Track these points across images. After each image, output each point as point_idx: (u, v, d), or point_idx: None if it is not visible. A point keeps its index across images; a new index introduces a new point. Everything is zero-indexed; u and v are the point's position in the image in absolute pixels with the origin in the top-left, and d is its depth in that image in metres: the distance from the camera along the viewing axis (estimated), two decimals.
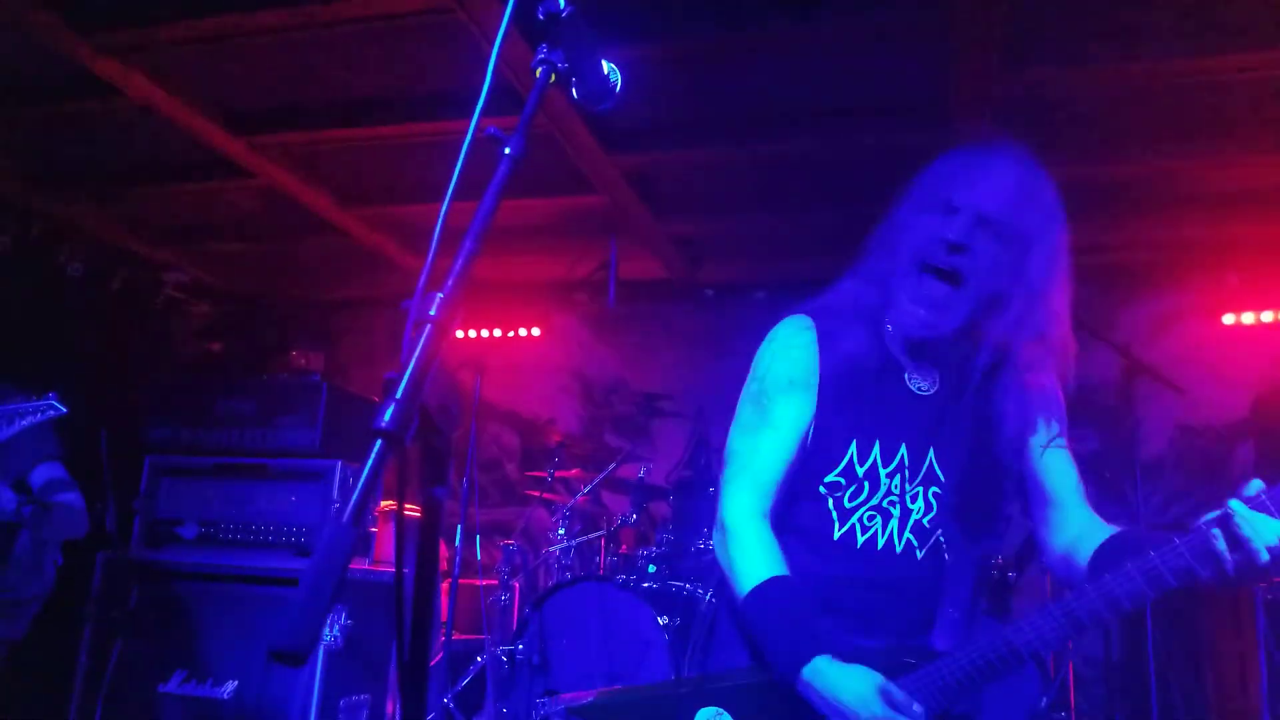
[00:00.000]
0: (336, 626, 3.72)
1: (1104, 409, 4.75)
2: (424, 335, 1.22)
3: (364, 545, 4.10)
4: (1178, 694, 3.99)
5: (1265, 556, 1.44)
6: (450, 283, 1.28)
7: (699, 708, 1.67)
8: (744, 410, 1.82)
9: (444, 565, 4.47)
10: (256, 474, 3.98)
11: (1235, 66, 3.48)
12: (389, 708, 4.14)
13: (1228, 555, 1.45)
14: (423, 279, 1.39)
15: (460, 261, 1.32)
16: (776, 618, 1.64)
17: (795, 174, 4.60)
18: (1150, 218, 4.91)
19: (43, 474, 3.24)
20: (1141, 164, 4.34)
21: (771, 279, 5.80)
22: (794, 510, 1.77)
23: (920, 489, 1.71)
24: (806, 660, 1.58)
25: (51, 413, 2.85)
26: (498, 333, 5.73)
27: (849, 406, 1.74)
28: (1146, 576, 1.47)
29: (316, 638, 1.02)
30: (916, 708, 1.54)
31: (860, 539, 1.69)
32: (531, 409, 5.82)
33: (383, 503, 4.24)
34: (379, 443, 1.13)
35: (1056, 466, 1.77)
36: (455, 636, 4.58)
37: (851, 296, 1.81)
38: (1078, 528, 1.75)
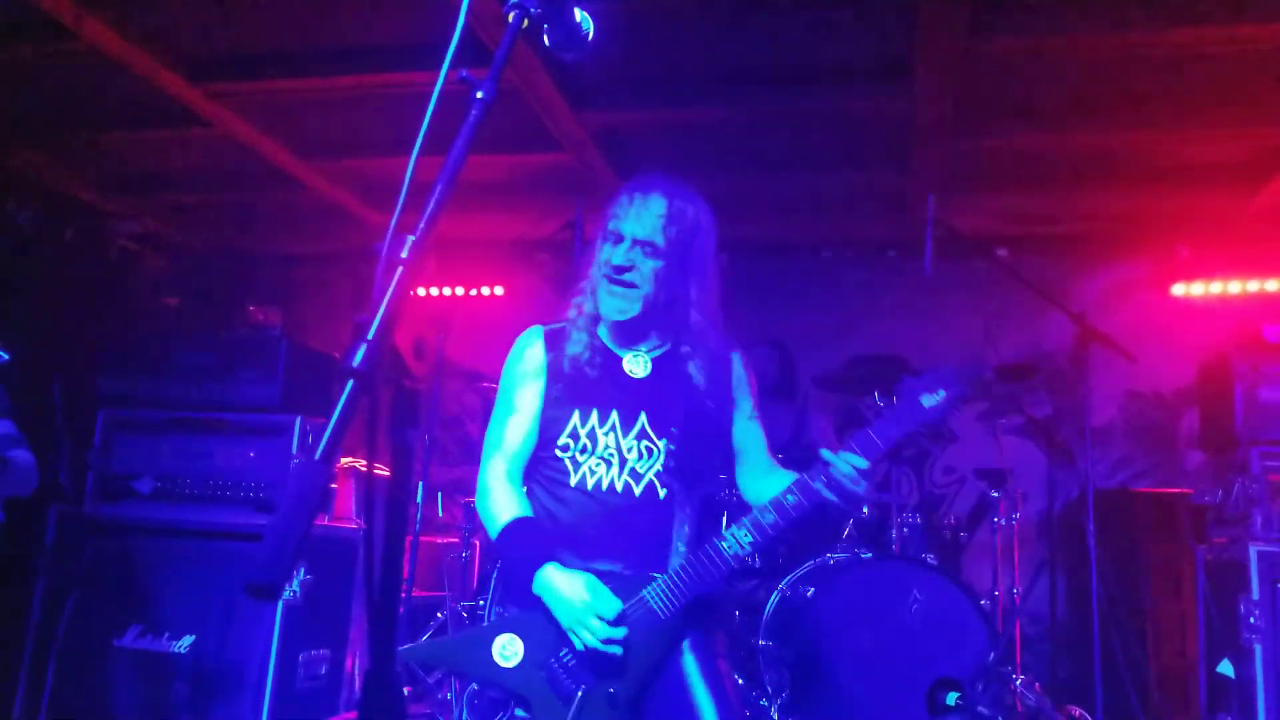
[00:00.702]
0: (296, 581, 3.72)
1: (1057, 375, 4.87)
2: (395, 277, 1.23)
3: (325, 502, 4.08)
4: (1120, 652, 4.12)
5: (858, 486, 2.05)
6: (422, 226, 1.29)
7: (495, 636, 2.13)
8: (496, 404, 2.36)
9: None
10: (214, 428, 3.95)
11: (1192, 40, 3.53)
12: (348, 663, 4.16)
13: (831, 495, 2.07)
14: (392, 224, 1.39)
15: (432, 205, 1.33)
16: (518, 545, 2.18)
17: (763, 136, 4.60)
18: (1105, 189, 5.00)
19: None
20: (1099, 136, 4.40)
21: (738, 241, 5.82)
22: (539, 470, 2.28)
23: (635, 443, 2.21)
24: (538, 567, 2.11)
25: None
26: (460, 291, 5.70)
27: (572, 389, 2.27)
28: (775, 508, 2.10)
29: (291, 572, 1.04)
30: (620, 605, 2.06)
31: (589, 483, 2.20)
32: (494, 368, 5.79)
33: (342, 460, 4.22)
34: (350, 382, 1.14)
35: (749, 432, 2.37)
36: (415, 593, 4.59)
37: (575, 311, 2.34)
38: (763, 478, 2.37)
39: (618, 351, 2.32)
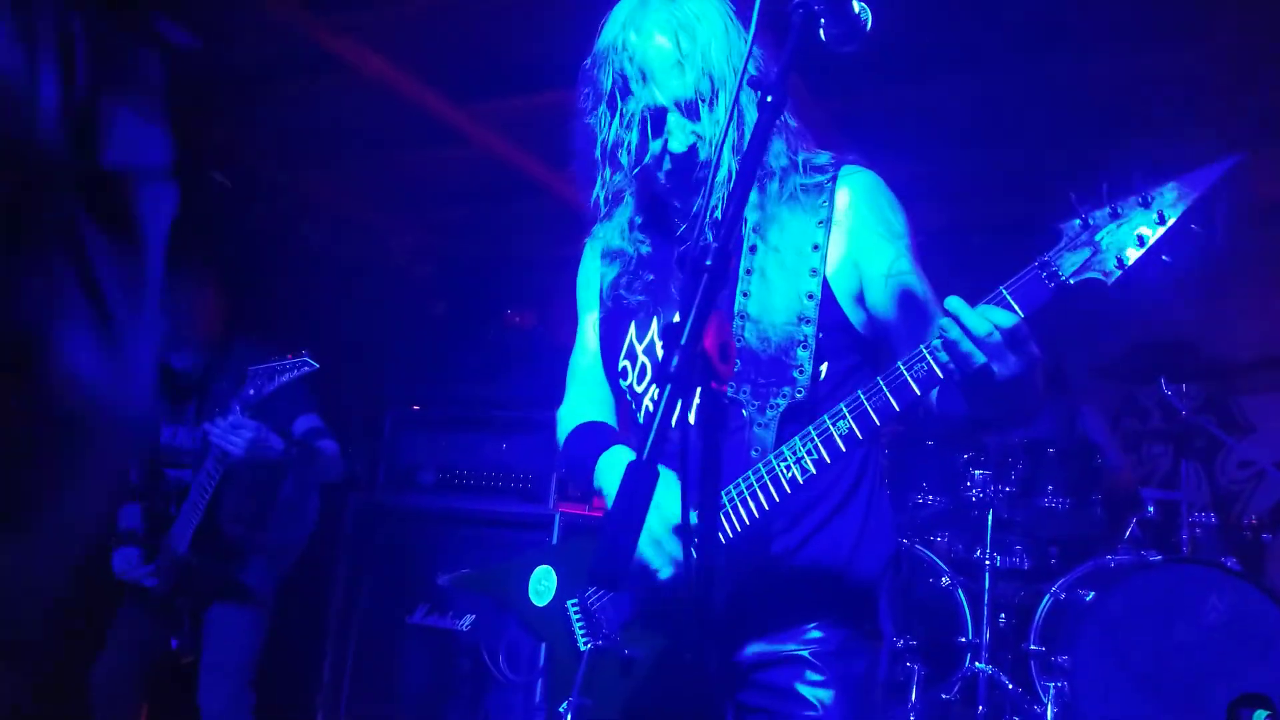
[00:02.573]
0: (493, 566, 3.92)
1: None
2: (703, 283, 1.27)
3: (583, 492, 4.27)
4: None
5: (978, 354, 1.37)
6: (723, 232, 1.32)
7: (534, 567, 1.78)
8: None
9: None
10: (486, 425, 4.23)
11: None
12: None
13: (947, 361, 1.41)
14: (696, 231, 1.43)
15: (731, 211, 1.36)
16: (580, 440, 1.78)
17: (1020, 105, 4.33)
18: None
19: (303, 424, 3.54)
20: None
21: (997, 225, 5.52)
22: (617, 407, 1.86)
23: None
24: (599, 455, 1.68)
25: (306, 369, 3.09)
26: None
27: (626, 295, 1.79)
28: (853, 411, 1.49)
29: (628, 564, 1.10)
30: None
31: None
32: None
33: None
34: (668, 388, 1.19)
35: (894, 293, 1.66)
36: None
37: (614, 210, 1.81)
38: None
39: (674, 247, 1.79)
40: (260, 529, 3.39)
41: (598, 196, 1.82)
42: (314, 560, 4.37)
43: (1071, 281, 1.40)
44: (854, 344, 1.70)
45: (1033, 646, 3.61)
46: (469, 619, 3.94)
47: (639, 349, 1.78)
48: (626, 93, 1.68)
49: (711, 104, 1.66)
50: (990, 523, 3.69)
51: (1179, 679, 3.32)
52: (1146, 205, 1.38)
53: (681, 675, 1.61)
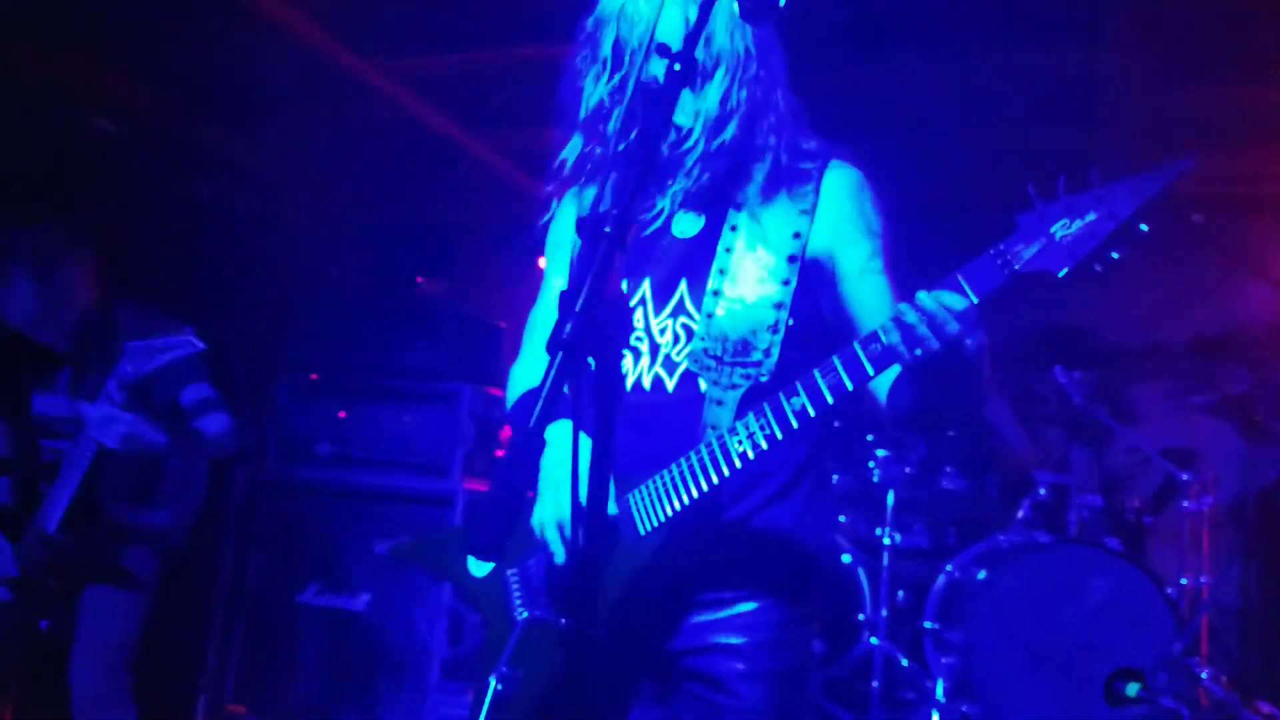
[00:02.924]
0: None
1: (1255, 348, 4.49)
2: (600, 250, 1.22)
3: (489, 467, 4.19)
4: None
5: (951, 326, 1.39)
6: (624, 200, 1.28)
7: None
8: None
9: None
10: (386, 395, 4.10)
11: None
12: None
13: (898, 343, 1.41)
14: (593, 198, 1.38)
15: (632, 179, 1.31)
16: (526, 408, 1.57)
17: (927, 96, 4.38)
18: None
19: (192, 394, 3.36)
20: None
21: (897, 210, 5.60)
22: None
23: (669, 322, 1.67)
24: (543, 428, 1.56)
25: (188, 349, 2.92)
26: None
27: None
28: (806, 389, 1.48)
29: (508, 534, 1.05)
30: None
31: None
32: None
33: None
34: (559, 355, 1.14)
35: (860, 293, 1.68)
36: None
37: (601, 169, 1.75)
38: None
39: (663, 206, 1.76)
40: (144, 507, 3.21)
41: (564, 160, 1.80)
42: (200, 536, 4.20)
43: (1024, 271, 1.42)
44: (822, 335, 1.69)
45: (928, 624, 3.68)
46: (364, 597, 3.83)
47: None
48: (623, 60, 1.66)
49: (714, 80, 1.64)
50: (891, 502, 3.74)
51: (1063, 654, 3.44)
52: (1099, 203, 1.41)
53: (616, 648, 1.54)
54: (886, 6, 3.53)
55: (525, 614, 1.62)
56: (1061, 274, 1.42)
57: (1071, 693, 3.43)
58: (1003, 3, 3.63)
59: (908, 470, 3.71)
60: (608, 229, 1.23)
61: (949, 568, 3.73)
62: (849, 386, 1.46)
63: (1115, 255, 1.41)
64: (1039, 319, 4.87)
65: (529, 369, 1.85)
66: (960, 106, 4.41)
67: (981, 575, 3.59)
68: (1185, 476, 4.20)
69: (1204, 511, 4.25)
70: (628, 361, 1.67)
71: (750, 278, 1.65)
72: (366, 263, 5.74)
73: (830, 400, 1.46)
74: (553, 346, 1.15)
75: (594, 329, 1.17)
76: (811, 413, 1.47)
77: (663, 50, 1.52)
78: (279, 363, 4.30)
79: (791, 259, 1.65)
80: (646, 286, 1.70)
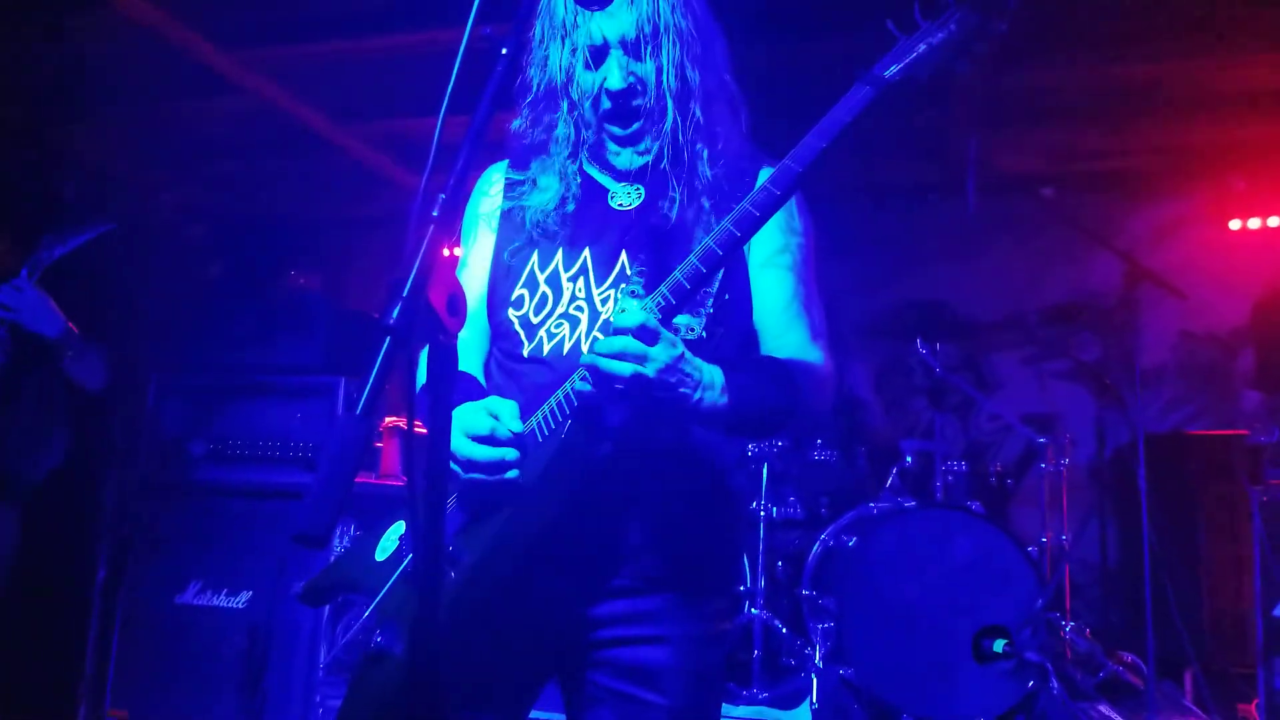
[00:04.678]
0: (346, 538, 3.79)
1: (1106, 316, 4.76)
2: (428, 233, 1.23)
3: (370, 459, 4.15)
4: (1172, 597, 4.08)
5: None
6: (451, 183, 1.28)
7: (384, 532, 1.72)
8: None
9: None
10: (261, 391, 4.01)
11: None
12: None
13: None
14: (423, 182, 1.39)
15: (460, 162, 1.32)
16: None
17: (787, 76, 4.49)
18: (1156, 122, 4.83)
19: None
20: (1147, 66, 4.25)
21: None
22: (494, 346, 1.78)
23: (610, 290, 1.67)
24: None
25: (103, 228, 2.96)
26: None
27: (535, 232, 1.74)
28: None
29: (335, 522, 1.05)
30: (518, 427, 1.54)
31: (547, 348, 1.66)
32: None
33: (387, 419, 4.28)
34: (387, 340, 1.15)
35: (761, 283, 1.72)
36: None
37: (543, 156, 1.77)
38: (768, 346, 1.74)
39: (607, 185, 1.77)
40: None
41: (523, 125, 1.77)
42: (72, 542, 4.06)
43: (894, 79, 1.50)
44: (745, 311, 1.72)
45: (804, 591, 3.81)
46: (245, 595, 3.76)
47: (540, 278, 1.72)
48: (574, 24, 1.66)
49: (654, 48, 1.65)
50: (765, 475, 3.85)
51: (932, 615, 3.59)
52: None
53: (520, 580, 1.55)
54: None
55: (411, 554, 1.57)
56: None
57: (941, 651, 3.59)
58: None
59: (779, 444, 3.83)
60: (435, 213, 1.25)
61: (823, 536, 3.87)
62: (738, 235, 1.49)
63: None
64: (899, 293, 5.07)
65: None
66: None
67: (852, 542, 3.73)
68: (1043, 440, 4.44)
69: (1062, 472, 4.49)
70: (564, 328, 1.66)
71: (680, 251, 1.63)
72: (237, 259, 5.60)
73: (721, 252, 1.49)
74: (379, 331, 1.16)
75: (422, 314, 1.18)
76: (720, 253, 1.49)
77: (485, 35, 1.53)
78: (150, 362, 4.17)
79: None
80: (587, 255, 1.70)
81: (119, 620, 3.88)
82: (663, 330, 1.44)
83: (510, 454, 1.51)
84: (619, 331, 1.42)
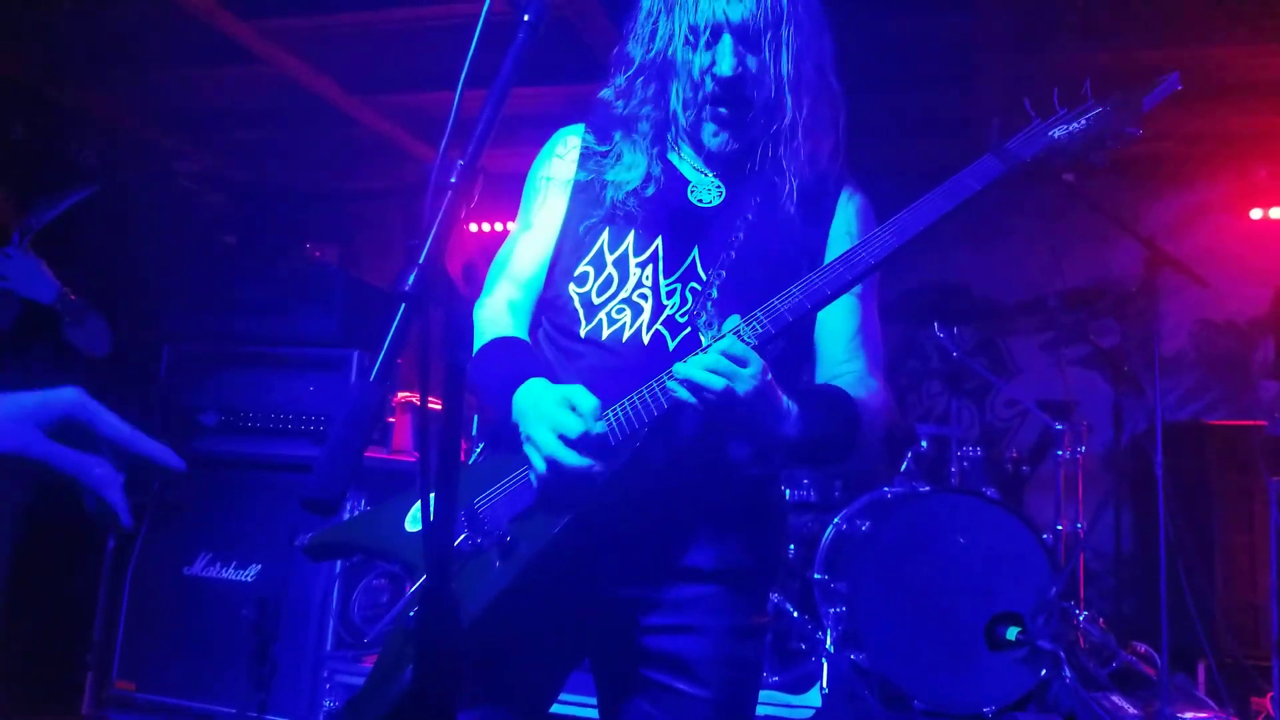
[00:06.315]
0: (357, 513, 3.79)
1: (1126, 302, 4.71)
2: (445, 200, 1.20)
3: (382, 434, 4.14)
4: (1187, 587, 4.04)
5: (717, 383, 1.43)
6: (471, 149, 1.26)
7: (413, 501, 1.67)
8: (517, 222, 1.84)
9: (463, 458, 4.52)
10: (275, 362, 4.00)
11: None
12: (409, 590, 4.25)
13: (693, 400, 1.45)
14: (441, 149, 1.36)
15: (480, 129, 1.29)
16: (495, 365, 1.64)
17: None
18: (1180, 108, 4.70)
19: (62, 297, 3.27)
20: (1172, 49, 4.18)
21: None
22: (547, 316, 1.76)
23: (678, 285, 1.65)
24: (517, 386, 1.56)
25: (92, 189, 2.93)
26: (499, 226, 5.67)
27: (609, 210, 1.70)
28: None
29: (346, 488, 1.03)
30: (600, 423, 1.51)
31: (605, 332, 1.64)
32: None
33: (400, 394, 4.26)
34: (402, 306, 1.12)
35: (831, 310, 1.64)
36: None
37: (630, 127, 1.73)
38: (827, 375, 1.72)
39: (688, 175, 1.75)
40: None
41: (614, 96, 1.75)
42: (79, 511, 4.06)
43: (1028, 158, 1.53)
44: (808, 329, 1.72)
45: (816, 575, 3.79)
46: (254, 569, 3.76)
47: (609, 258, 1.69)
48: (693, 3, 1.62)
49: (772, 38, 1.61)
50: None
51: (944, 601, 3.57)
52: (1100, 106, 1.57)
53: (569, 569, 1.54)
54: None
55: (477, 541, 1.54)
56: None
57: (954, 637, 3.57)
58: None
59: None
60: (453, 179, 1.22)
61: (836, 520, 3.84)
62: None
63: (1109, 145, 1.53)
64: (918, 276, 5.02)
65: (493, 313, 1.77)
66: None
67: (865, 526, 3.70)
68: (1059, 427, 4.39)
69: (1078, 460, 4.45)
70: (625, 314, 1.65)
71: (757, 262, 1.66)
72: (254, 230, 5.59)
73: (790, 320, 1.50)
74: (394, 297, 1.14)
75: (439, 280, 1.16)
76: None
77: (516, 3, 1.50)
78: (163, 331, 4.16)
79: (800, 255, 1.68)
80: (659, 244, 1.68)
81: (127, 591, 3.89)
82: (755, 355, 1.45)
83: (597, 465, 1.49)
84: (722, 352, 1.44)
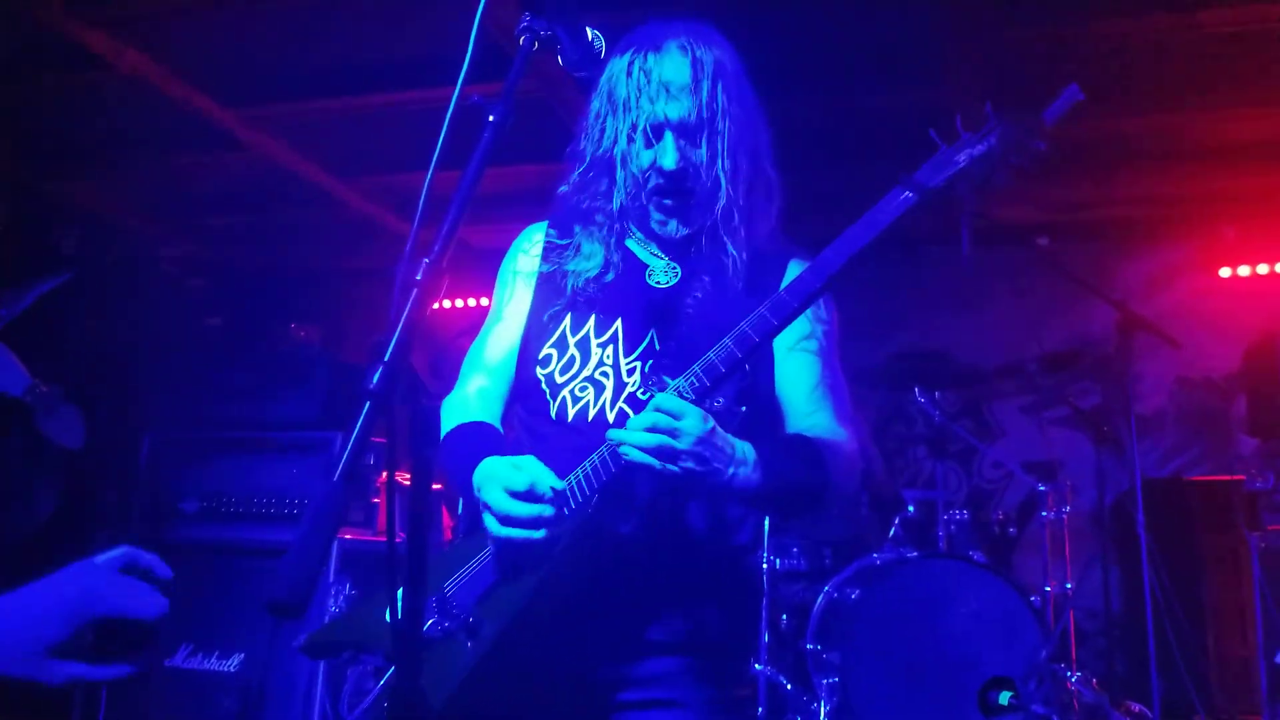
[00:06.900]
0: (341, 597, 3.75)
1: (1103, 364, 4.77)
2: (410, 298, 1.23)
3: (366, 515, 4.11)
4: (1176, 644, 4.02)
5: (670, 442, 1.47)
6: (436, 247, 1.29)
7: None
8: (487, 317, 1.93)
9: (447, 534, 4.49)
10: (258, 447, 3.99)
11: (1228, 20, 3.45)
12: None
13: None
14: (409, 244, 1.39)
15: (446, 227, 1.33)
16: (459, 447, 1.69)
17: (789, 129, 4.54)
18: (1147, 172, 4.88)
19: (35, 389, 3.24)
20: (1139, 118, 4.30)
21: None
22: (519, 404, 1.83)
23: (638, 363, 1.71)
24: (477, 464, 1.60)
25: (65, 276, 2.88)
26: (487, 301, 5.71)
27: (579, 288, 1.79)
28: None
29: (312, 590, 1.03)
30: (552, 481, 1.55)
31: (571, 411, 1.71)
32: None
33: (384, 474, 4.25)
34: (367, 404, 1.14)
35: (787, 367, 1.76)
36: None
37: (586, 221, 1.82)
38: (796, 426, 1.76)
39: (646, 259, 1.83)
40: None
41: (570, 191, 1.84)
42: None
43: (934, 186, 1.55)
44: (770, 396, 1.76)
45: (809, 645, 3.75)
46: (237, 657, 3.70)
47: (571, 340, 1.77)
48: (636, 104, 1.72)
49: (709, 134, 1.71)
50: (766, 527, 3.81)
51: (937, 667, 3.53)
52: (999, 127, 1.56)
53: (538, 646, 1.56)
54: None
55: (445, 625, 1.57)
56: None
57: (947, 705, 3.53)
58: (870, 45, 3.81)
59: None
60: (419, 277, 1.25)
61: (826, 588, 3.82)
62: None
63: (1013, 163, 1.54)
64: (898, 343, 5.07)
65: (466, 403, 1.83)
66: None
67: (855, 595, 3.68)
68: (1044, 488, 4.40)
69: (1064, 520, 4.43)
70: (589, 392, 1.71)
71: (706, 333, 1.67)
72: (238, 311, 5.61)
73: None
74: (360, 395, 1.15)
75: (404, 376, 1.18)
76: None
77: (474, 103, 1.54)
78: (145, 418, 4.15)
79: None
80: (619, 325, 1.75)
81: (106, 687, 3.82)
82: (691, 406, 1.48)
83: (548, 510, 1.52)
84: (655, 407, 1.47)
